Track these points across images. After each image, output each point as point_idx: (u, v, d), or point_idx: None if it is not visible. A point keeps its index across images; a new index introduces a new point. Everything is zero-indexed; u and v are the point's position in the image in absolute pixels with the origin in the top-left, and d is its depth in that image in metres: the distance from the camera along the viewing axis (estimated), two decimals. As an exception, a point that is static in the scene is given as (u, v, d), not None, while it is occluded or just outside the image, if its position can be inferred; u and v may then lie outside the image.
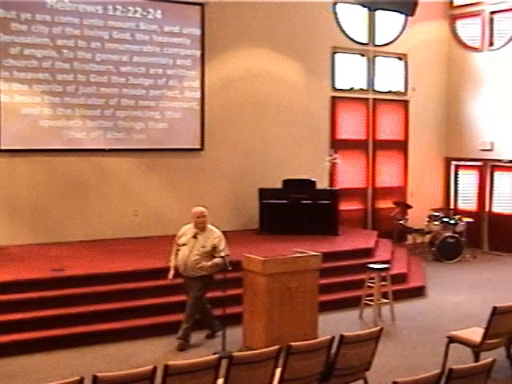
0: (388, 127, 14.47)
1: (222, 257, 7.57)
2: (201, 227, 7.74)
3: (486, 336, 6.61)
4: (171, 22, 11.69)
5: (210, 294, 8.55)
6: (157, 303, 8.44)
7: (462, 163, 14.92)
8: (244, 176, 12.55)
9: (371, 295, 8.98)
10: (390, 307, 9.04)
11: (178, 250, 7.81)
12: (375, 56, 14.21)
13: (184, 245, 7.72)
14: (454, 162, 15.07)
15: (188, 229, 7.83)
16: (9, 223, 10.55)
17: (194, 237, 7.68)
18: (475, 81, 14.50)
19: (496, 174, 14.23)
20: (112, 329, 7.91)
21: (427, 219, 13.46)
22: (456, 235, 13.08)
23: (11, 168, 10.56)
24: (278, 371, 5.29)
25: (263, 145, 12.78)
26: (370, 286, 9.05)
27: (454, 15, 14.90)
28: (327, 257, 8.84)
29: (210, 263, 7.58)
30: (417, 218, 13.62)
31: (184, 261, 7.66)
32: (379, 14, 14.06)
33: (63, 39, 10.79)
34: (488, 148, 14.17)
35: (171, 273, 7.79)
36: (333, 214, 12.08)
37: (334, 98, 13.69)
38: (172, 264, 7.82)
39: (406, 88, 14.63)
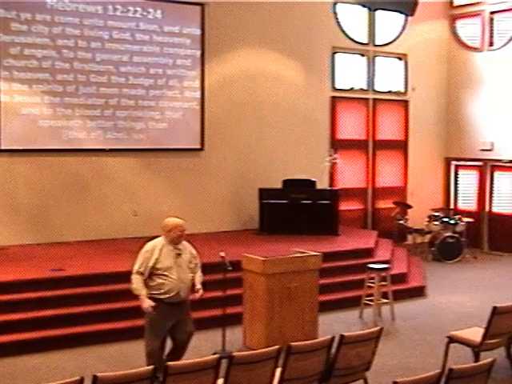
0: (388, 127, 14.47)
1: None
2: (179, 242, 6.47)
3: (485, 336, 6.61)
4: (171, 22, 11.68)
5: (210, 295, 8.55)
6: (157, 303, 8.43)
7: (462, 163, 14.92)
8: (244, 176, 12.55)
9: (371, 295, 8.98)
10: (389, 307, 9.04)
11: (157, 275, 6.36)
12: (375, 56, 14.20)
13: (169, 268, 6.34)
14: (454, 162, 15.07)
15: (163, 247, 6.40)
16: (8, 223, 10.55)
17: (179, 254, 6.44)
18: (475, 81, 14.49)
19: (496, 174, 14.23)
20: (112, 329, 7.91)
21: (427, 219, 13.45)
22: (456, 235, 13.08)
23: (11, 168, 10.56)
24: (278, 371, 5.29)
25: (263, 145, 12.78)
26: (369, 286, 9.05)
27: (454, 15, 14.89)
28: (327, 257, 8.85)
29: (201, 279, 6.63)
30: (417, 218, 13.62)
31: (185, 284, 6.43)
32: (379, 13, 14.06)
33: (63, 39, 10.78)
34: (488, 148, 14.17)
35: (149, 302, 6.30)
36: (333, 214, 12.08)
37: (334, 97, 13.68)
38: (144, 293, 6.33)
39: (406, 88, 14.63)
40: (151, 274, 6.36)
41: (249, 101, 12.61)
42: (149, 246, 6.50)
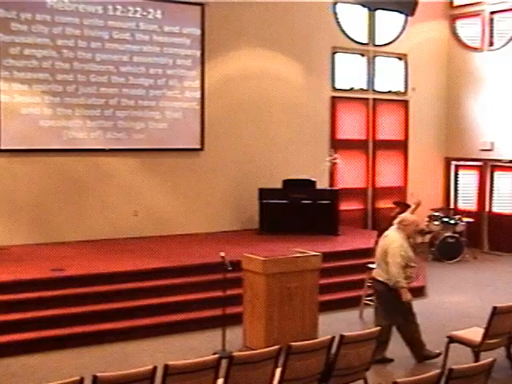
0: (388, 127, 14.47)
1: None
2: (413, 236, 7.33)
3: (486, 336, 6.61)
4: (171, 22, 11.68)
5: (210, 294, 8.57)
6: (157, 303, 8.44)
7: (462, 163, 14.91)
8: (244, 176, 12.54)
9: (371, 295, 8.96)
10: (390, 307, 9.02)
11: (408, 267, 7.05)
12: (375, 56, 14.20)
13: (413, 259, 7.16)
14: (454, 162, 15.07)
15: (404, 241, 7.09)
16: (9, 223, 10.55)
17: (411, 246, 7.20)
18: (475, 81, 14.49)
19: (496, 174, 14.22)
20: (112, 329, 7.91)
21: (427, 219, 13.45)
22: (456, 235, 13.07)
23: (11, 168, 10.56)
24: (278, 371, 5.29)
25: (263, 145, 12.77)
26: (370, 286, 9.04)
27: (454, 15, 14.89)
28: (327, 257, 8.84)
29: None
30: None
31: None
32: (379, 13, 14.06)
33: (63, 39, 10.78)
34: (488, 148, 14.17)
35: (409, 294, 7.08)
36: (333, 214, 12.08)
37: (334, 98, 13.68)
38: (405, 285, 7.02)
39: (406, 88, 14.63)
40: (404, 266, 6.97)
41: (249, 101, 12.60)
42: (395, 242, 7.03)
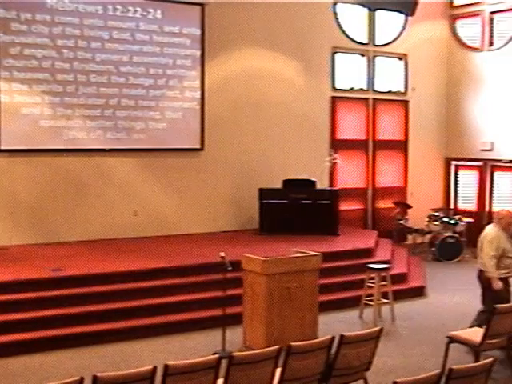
0: (388, 127, 14.47)
1: None
2: (509, 229, 7.59)
3: (486, 336, 6.60)
4: (171, 22, 11.69)
5: (210, 294, 8.57)
6: (156, 303, 8.44)
7: (462, 163, 14.91)
8: (244, 176, 12.54)
9: (371, 295, 8.98)
10: (390, 307, 9.03)
11: (505, 257, 7.45)
12: (375, 56, 14.20)
13: (511, 250, 7.50)
14: (454, 162, 15.07)
15: (498, 233, 7.46)
16: (8, 223, 10.55)
17: (510, 238, 7.60)
18: (475, 81, 14.49)
19: (496, 174, 14.22)
20: (111, 329, 7.91)
21: (427, 219, 13.45)
22: (456, 235, 13.08)
23: (11, 168, 10.56)
24: (278, 371, 5.29)
25: (263, 145, 12.77)
26: (369, 286, 9.05)
27: (454, 15, 14.89)
28: (327, 257, 8.85)
29: None
30: (417, 218, 13.62)
31: None
32: (379, 13, 14.06)
33: (63, 39, 10.78)
34: (488, 148, 14.17)
35: (499, 282, 7.42)
36: (333, 214, 12.08)
37: (334, 97, 13.68)
38: (496, 275, 7.41)
39: (406, 88, 14.63)
40: (500, 256, 7.39)
41: (249, 101, 12.60)
42: (489, 234, 7.50)
